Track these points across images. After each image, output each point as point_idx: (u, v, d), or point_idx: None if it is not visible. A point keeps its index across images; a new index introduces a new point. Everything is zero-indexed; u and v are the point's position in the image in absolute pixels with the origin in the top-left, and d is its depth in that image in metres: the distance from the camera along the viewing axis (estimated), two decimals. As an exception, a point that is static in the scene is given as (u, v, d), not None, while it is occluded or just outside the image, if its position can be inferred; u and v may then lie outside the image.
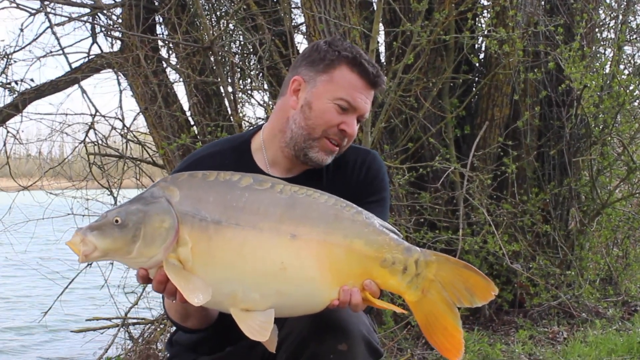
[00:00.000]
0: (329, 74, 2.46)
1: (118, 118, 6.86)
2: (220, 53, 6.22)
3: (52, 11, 6.92)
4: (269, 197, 2.18)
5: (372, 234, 2.20)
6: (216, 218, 2.13)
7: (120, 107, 6.90)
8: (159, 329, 6.09)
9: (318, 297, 2.18)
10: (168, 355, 2.69)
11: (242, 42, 7.15)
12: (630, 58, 7.81)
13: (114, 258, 2.19)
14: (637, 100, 7.22)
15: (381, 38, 6.48)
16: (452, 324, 2.21)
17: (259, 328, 2.12)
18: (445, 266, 2.22)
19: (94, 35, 7.09)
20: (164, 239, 2.11)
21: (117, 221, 2.10)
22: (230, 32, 6.95)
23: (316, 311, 2.20)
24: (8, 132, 7.31)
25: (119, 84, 7.01)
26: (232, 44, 7.10)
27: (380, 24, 6.04)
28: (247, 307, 2.14)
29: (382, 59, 6.62)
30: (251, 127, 2.75)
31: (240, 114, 6.40)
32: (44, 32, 7.09)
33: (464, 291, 2.20)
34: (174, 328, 2.61)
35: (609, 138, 6.79)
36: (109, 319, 6.66)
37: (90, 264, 5.86)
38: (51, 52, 7.05)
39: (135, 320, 6.46)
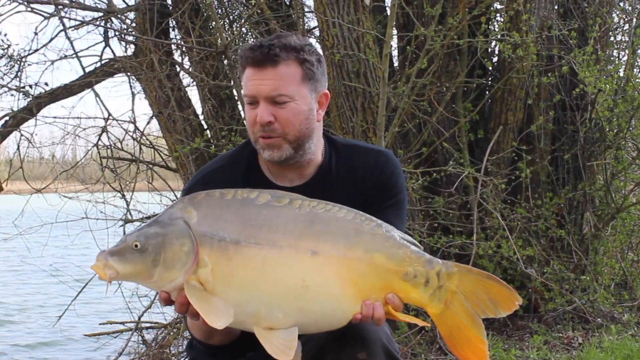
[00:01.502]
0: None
1: (131, 122, 6.90)
2: (233, 57, 6.23)
3: (66, 15, 6.96)
4: (287, 214, 2.17)
5: (393, 247, 2.18)
6: (235, 237, 2.12)
7: (133, 110, 6.94)
8: (172, 333, 6.10)
9: (341, 313, 2.16)
10: (187, 358, 2.67)
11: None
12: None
13: (135, 281, 2.20)
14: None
15: (394, 42, 6.48)
16: (476, 336, 2.19)
17: (283, 347, 2.11)
18: (468, 277, 2.20)
19: (106, 39, 7.11)
20: (184, 262, 2.11)
21: (136, 246, 2.10)
22: (244, 36, 6.96)
23: (339, 327, 2.19)
24: (22, 135, 7.35)
25: (131, 87, 7.05)
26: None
27: (394, 29, 6.04)
28: (270, 325, 2.13)
29: (396, 63, 6.62)
30: None
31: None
32: (57, 35, 7.13)
33: (488, 302, 2.19)
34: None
35: (624, 142, 6.76)
36: (123, 323, 6.68)
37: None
38: (65, 55, 7.10)
39: (148, 325, 6.47)
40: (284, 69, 2.35)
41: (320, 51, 2.51)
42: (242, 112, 6.51)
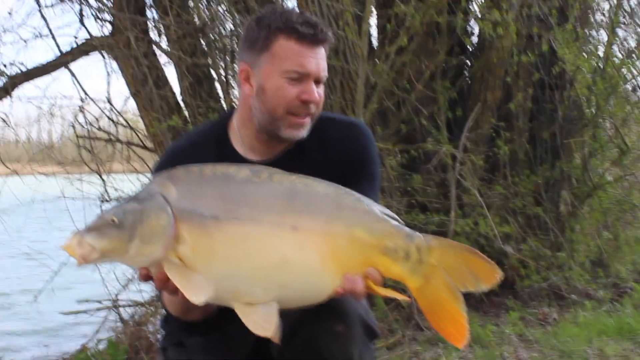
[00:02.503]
0: (269, 51, 2.35)
1: (108, 101, 6.85)
2: (211, 35, 6.19)
3: (42, -7, 6.87)
4: (267, 189, 2.15)
5: (373, 221, 2.17)
6: (215, 213, 2.10)
7: (108, 89, 6.88)
8: (149, 311, 6.08)
9: (321, 288, 2.16)
10: (163, 332, 2.67)
11: (233, 25, 7.11)
12: (623, 41, 7.81)
13: (112, 258, 2.15)
14: (630, 83, 7.21)
15: (374, 20, 6.46)
16: (457, 310, 2.18)
17: (263, 322, 2.11)
18: (448, 251, 2.19)
19: (81, 18, 7.02)
20: (162, 237, 2.08)
21: (113, 221, 2.08)
22: (222, 14, 6.91)
23: (320, 301, 2.18)
24: (-3, 115, 7.27)
25: (106, 66, 6.97)
26: (223, 26, 7.06)
27: (373, 6, 6.02)
28: (250, 301, 2.12)
29: (375, 41, 6.61)
30: (224, 112, 2.66)
31: (231, 97, 6.39)
32: (31, 14, 7.04)
33: (468, 275, 2.17)
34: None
35: (602, 120, 6.79)
36: (100, 301, 6.65)
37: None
38: (40, 34, 7.02)
39: (126, 302, 6.45)
40: (324, 50, 2.40)
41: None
42: (219, 91, 6.47)
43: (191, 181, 2.16)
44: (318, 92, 2.38)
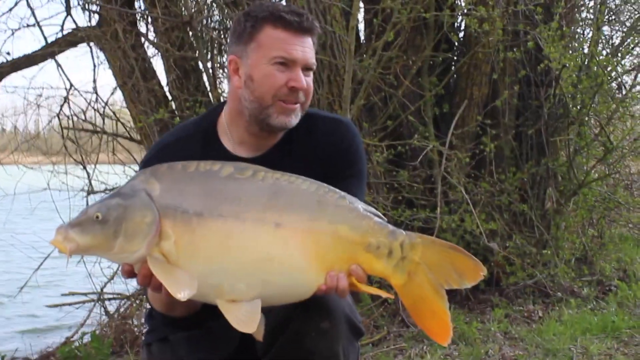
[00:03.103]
0: (255, 40, 2.38)
1: (94, 92, 6.82)
2: (199, 28, 6.17)
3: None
4: (251, 186, 2.16)
5: (356, 218, 2.18)
6: (198, 210, 2.10)
7: (94, 81, 6.84)
8: (135, 305, 6.07)
9: (305, 285, 2.16)
10: (147, 327, 2.67)
11: (221, 18, 7.09)
12: (608, 39, 7.84)
13: (96, 254, 2.18)
14: (615, 81, 7.24)
15: (361, 15, 6.45)
16: (440, 307, 2.19)
17: (246, 319, 2.10)
18: (431, 248, 2.20)
19: (68, 8, 6.98)
20: (146, 234, 2.09)
21: (97, 217, 2.08)
22: (209, 7, 6.89)
23: (303, 299, 2.19)
24: (-17, 105, 7.24)
25: (93, 58, 6.94)
26: (211, 19, 7.04)
27: (361, 1, 6.02)
28: (233, 298, 2.12)
29: (362, 36, 6.60)
30: (213, 107, 2.66)
31: (219, 90, 6.37)
32: (17, 3, 6.99)
33: (452, 273, 2.19)
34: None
35: (587, 118, 6.82)
36: (85, 294, 6.64)
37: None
38: (27, 25, 6.98)
39: (111, 296, 6.43)
40: (312, 40, 2.44)
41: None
42: (206, 84, 6.46)
43: (175, 178, 2.17)
44: (306, 80, 2.39)
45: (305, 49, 2.39)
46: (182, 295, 2.06)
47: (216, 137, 2.50)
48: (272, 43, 2.37)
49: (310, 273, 2.14)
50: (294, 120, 2.41)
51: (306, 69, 2.40)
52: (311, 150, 2.49)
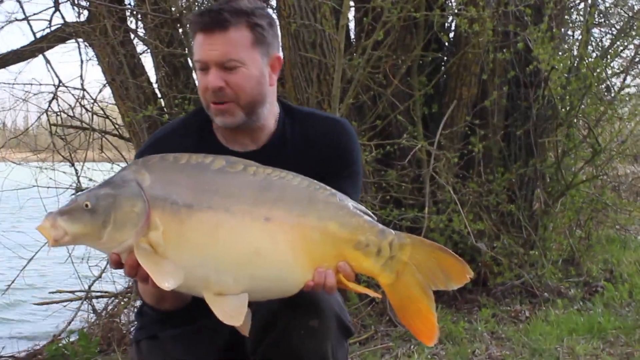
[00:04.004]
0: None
1: (83, 89, 6.79)
2: (188, 25, 6.15)
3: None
4: (241, 180, 2.16)
5: (346, 216, 2.18)
6: (188, 202, 2.11)
7: (82, 77, 6.81)
8: (122, 303, 6.05)
9: (292, 281, 2.16)
10: (137, 325, 2.66)
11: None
12: (598, 41, 7.87)
13: (84, 243, 2.16)
14: (604, 83, 7.26)
15: (351, 14, 6.46)
16: (427, 307, 2.20)
17: (232, 312, 2.10)
18: (420, 249, 2.20)
19: (56, 3, 6.95)
20: (135, 223, 2.09)
21: (87, 206, 2.08)
22: (199, 4, 6.87)
23: (290, 294, 2.19)
24: (-28, 101, 7.21)
25: (80, 54, 6.90)
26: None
27: (351, 0, 6.01)
28: (220, 291, 2.11)
29: (352, 35, 6.60)
30: None
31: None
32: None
33: (439, 274, 2.20)
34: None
35: (575, 120, 6.84)
36: (72, 292, 6.60)
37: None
38: (16, 19, 6.95)
39: (98, 294, 6.41)
40: (233, 34, 2.33)
41: (274, 15, 2.48)
42: (196, 81, 6.44)
43: (166, 169, 2.17)
44: (225, 77, 2.33)
45: (215, 46, 2.32)
46: (167, 285, 2.06)
47: (210, 131, 2.50)
48: (195, 49, 2.37)
49: (298, 268, 2.15)
50: (230, 119, 2.37)
51: (224, 66, 2.33)
52: (305, 148, 2.48)
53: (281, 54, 2.47)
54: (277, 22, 2.49)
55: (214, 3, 2.45)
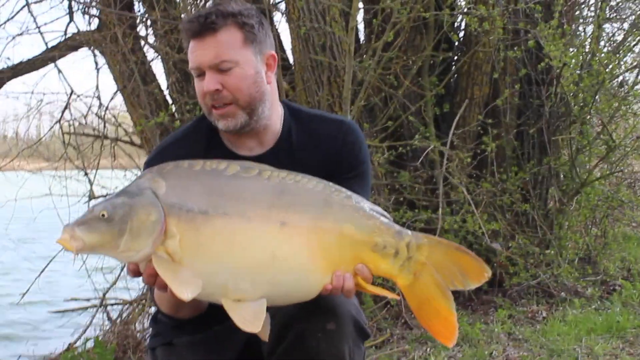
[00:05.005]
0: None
1: (96, 97, 6.82)
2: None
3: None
4: (256, 185, 2.14)
5: (362, 218, 2.16)
6: (203, 208, 2.09)
7: (97, 87, 6.84)
8: (137, 310, 6.06)
9: (310, 285, 2.14)
10: (152, 332, 2.64)
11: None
12: (609, 36, 7.81)
13: (102, 252, 2.15)
14: (617, 79, 7.22)
15: (361, 16, 6.44)
16: (446, 307, 2.18)
17: (251, 319, 2.08)
18: (437, 249, 2.19)
19: (70, 13, 6.98)
20: (151, 232, 2.08)
21: (103, 215, 2.07)
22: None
23: (309, 298, 2.17)
24: (-15, 111, 7.24)
25: (96, 63, 6.93)
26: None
27: (360, 2, 6.00)
28: (238, 297, 2.10)
29: (362, 37, 6.58)
30: None
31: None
32: (20, 10, 6.99)
33: (457, 274, 2.17)
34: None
35: (589, 117, 6.79)
36: (87, 300, 6.63)
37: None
38: (28, 30, 6.97)
39: (113, 301, 6.43)
40: (223, 36, 2.32)
41: (262, 15, 2.46)
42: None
43: (181, 176, 2.16)
44: (218, 81, 2.32)
45: (206, 50, 2.32)
46: (186, 295, 2.05)
47: (218, 137, 2.49)
48: (189, 57, 2.36)
49: (316, 272, 2.13)
50: (232, 121, 2.36)
51: (218, 68, 2.32)
52: (314, 150, 2.46)
53: (275, 53, 2.45)
54: (268, 22, 2.48)
55: (202, 9, 2.44)
